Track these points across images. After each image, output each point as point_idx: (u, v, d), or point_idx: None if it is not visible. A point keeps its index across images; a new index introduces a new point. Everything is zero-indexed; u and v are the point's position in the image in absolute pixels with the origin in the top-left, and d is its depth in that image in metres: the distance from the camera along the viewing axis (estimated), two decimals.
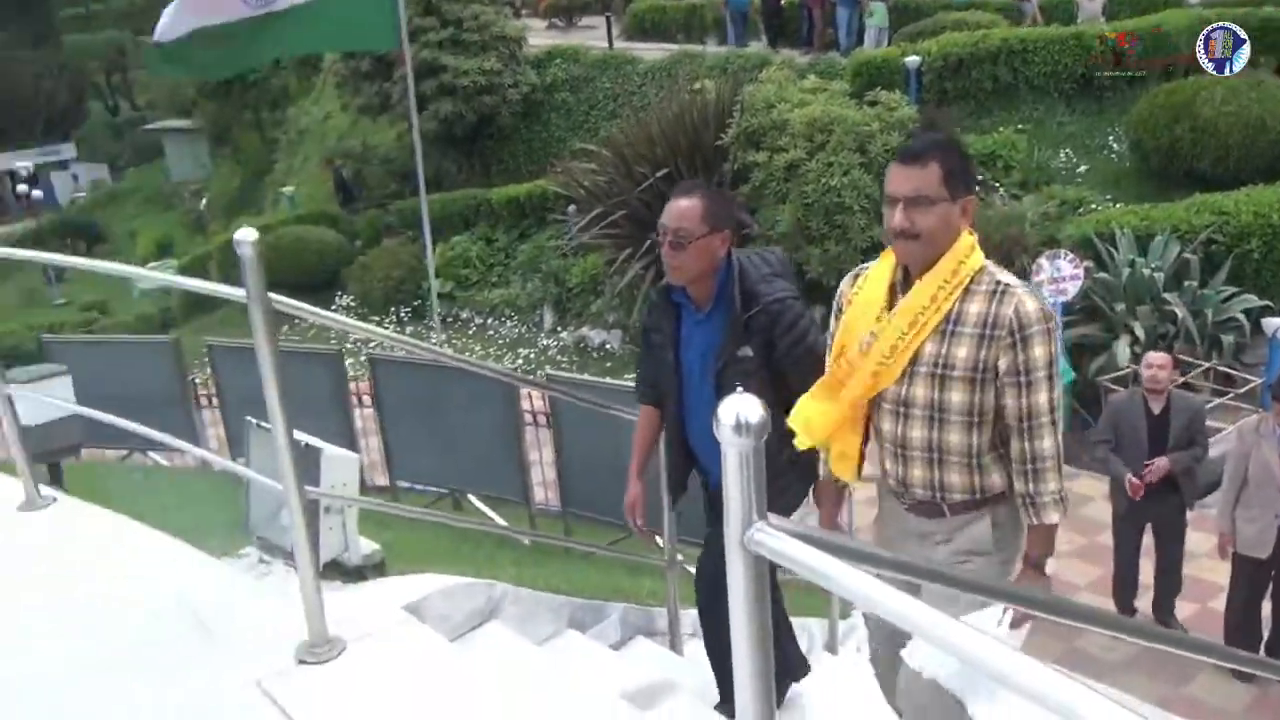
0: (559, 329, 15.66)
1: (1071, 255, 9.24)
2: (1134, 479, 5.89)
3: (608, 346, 14.69)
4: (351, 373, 9.25)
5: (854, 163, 12.11)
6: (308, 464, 3.23)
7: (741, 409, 1.24)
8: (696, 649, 3.53)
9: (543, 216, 17.03)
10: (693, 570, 3.39)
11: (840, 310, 2.65)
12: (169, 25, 7.39)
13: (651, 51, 19.73)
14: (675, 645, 3.66)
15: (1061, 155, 13.80)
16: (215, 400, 9.31)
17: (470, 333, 16.32)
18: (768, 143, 12.53)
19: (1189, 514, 6.31)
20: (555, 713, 2.69)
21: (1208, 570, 6.78)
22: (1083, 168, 13.62)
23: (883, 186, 2.49)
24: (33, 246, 24.05)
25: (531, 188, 17.43)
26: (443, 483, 7.90)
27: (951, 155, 2.44)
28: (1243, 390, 9.45)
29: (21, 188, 37.21)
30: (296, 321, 15.20)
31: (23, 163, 39.59)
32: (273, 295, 2.58)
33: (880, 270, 2.58)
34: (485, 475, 7.62)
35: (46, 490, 3.99)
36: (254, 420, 3.77)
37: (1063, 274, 8.88)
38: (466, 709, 2.57)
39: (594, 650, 3.45)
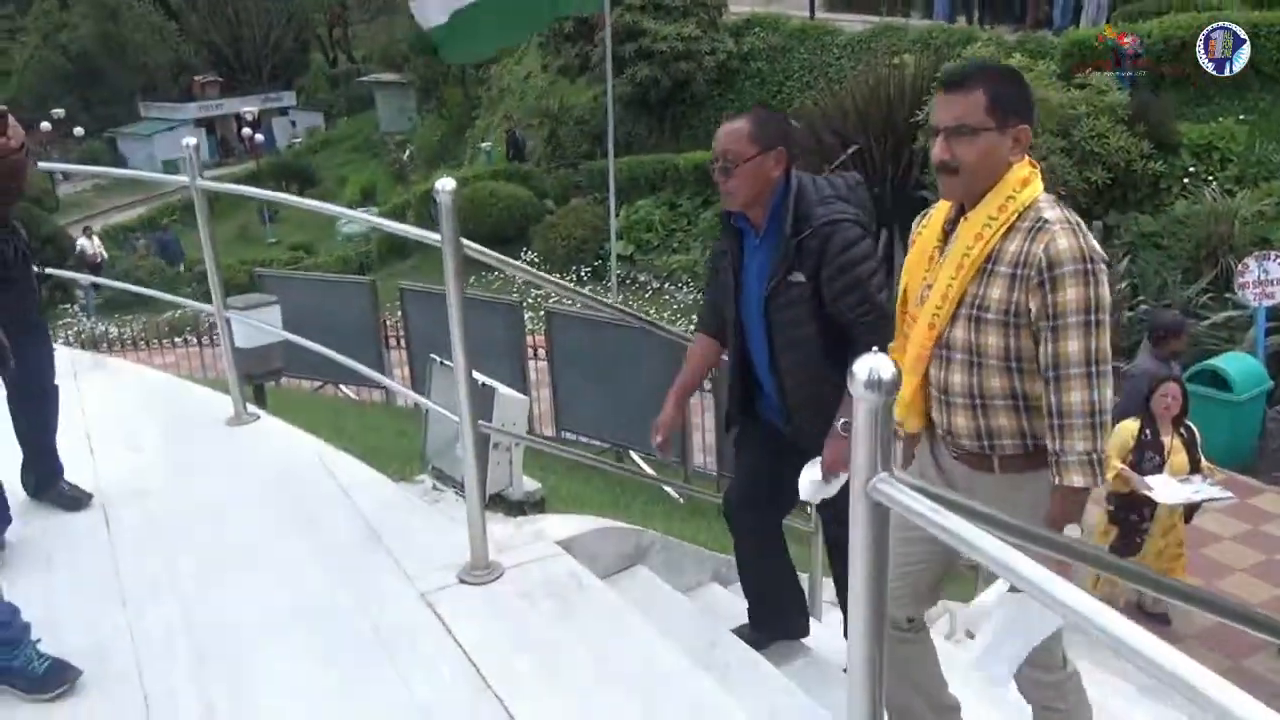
0: None
1: None
2: None
3: None
4: (529, 326, 9.63)
5: (1055, 147, 11.58)
6: (482, 402, 3.46)
7: (875, 365, 1.32)
8: (835, 617, 3.59)
9: None
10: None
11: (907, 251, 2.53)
12: (422, 8, 7.85)
13: (853, 23, 19.32)
14: (814, 610, 3.73)
15: None
16: (403, 341, 9.86)
17: (646, 295, 16.58)
18: None
19: None
20: (694, 649, 2.82)
21: None
22: None
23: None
24: (252, 186, 25.72)
25: None
26: (607, 437, 8.14)
27: (999, 80, 2.27)
28: None
29: (246, 131, 39.86)
30: (483, 274, 15.83)
31: (248, 108, 42.37)
32: (464, 241, 2.79)
33: (941, 209, 2.45)
34: (648, 434, 7.79)
35: (252, 408, 4.42)
36: (437, 358, 4.04)
37: (1271, 276, 8.32)
38: (609, 638, 2.74)
39: (734, 601, 3.57)
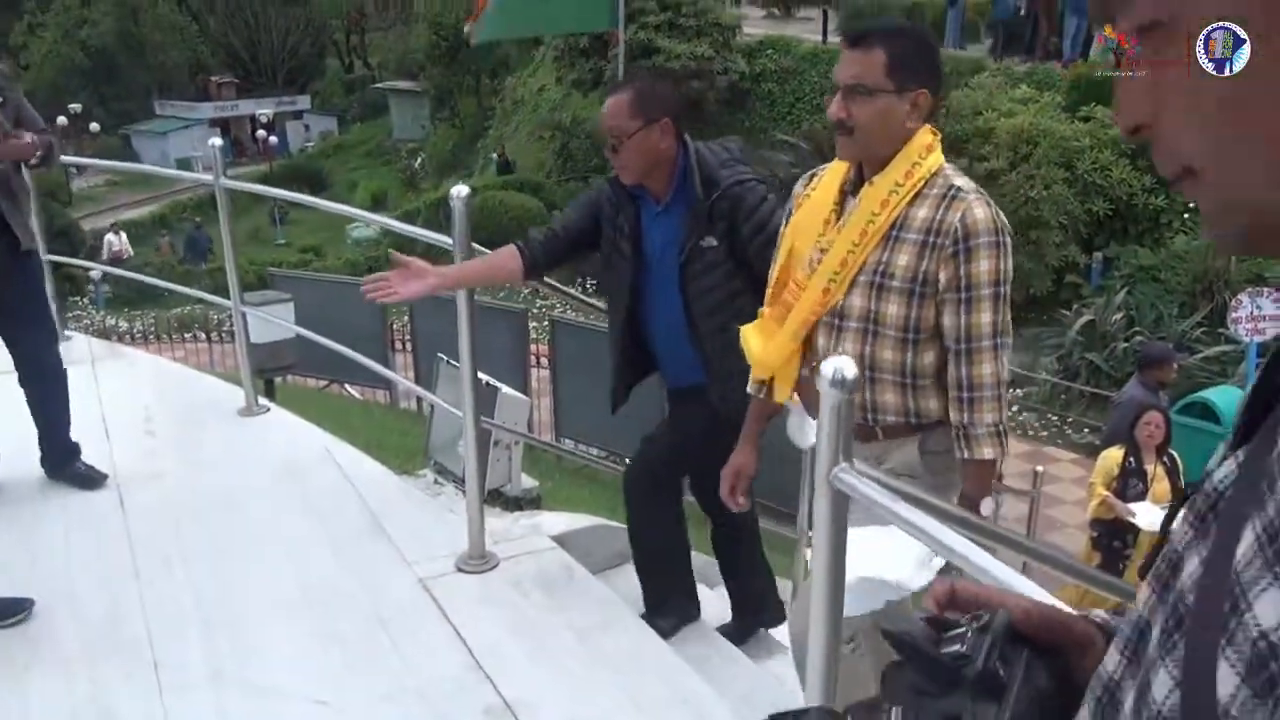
0: None
1: (1276, 294, 8.76)
2: None
3: None
4: (533, 335, 9.78)
5: (1057, 177, 11.80)
6: (485, 400, 3.61)
7: (840, 366, 1.47)
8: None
9: None
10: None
11: (790, 215, 2.41)
12: None
13: None
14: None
15: None
16: (409, 344, 10.02)
17: None
18: (969, 150, 12.34)
19: None
20: (677, 641, 2.97)
21: None
22: None
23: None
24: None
25: None
26: (605, 445, 8.28)
27: (902, 41, 2.15)
28: None
29: (260, 133, 40.15)
30: None
31: (263, 110, 42.65)
32: (475, 245, 2.95)
33: (834, 172, 2.32)
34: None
35: (263, 400, 4.57)
36: (443, 357, 4.20)
37: (1264, 312, 8.45)
38: (597, 627, 2.88)
39: (715, 600, 3.70)
